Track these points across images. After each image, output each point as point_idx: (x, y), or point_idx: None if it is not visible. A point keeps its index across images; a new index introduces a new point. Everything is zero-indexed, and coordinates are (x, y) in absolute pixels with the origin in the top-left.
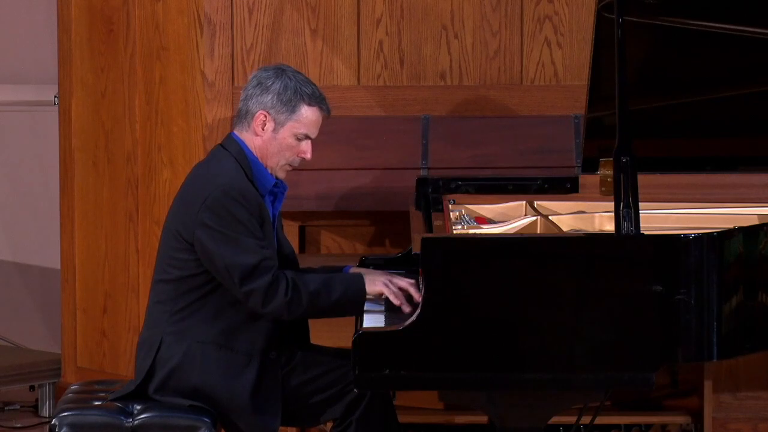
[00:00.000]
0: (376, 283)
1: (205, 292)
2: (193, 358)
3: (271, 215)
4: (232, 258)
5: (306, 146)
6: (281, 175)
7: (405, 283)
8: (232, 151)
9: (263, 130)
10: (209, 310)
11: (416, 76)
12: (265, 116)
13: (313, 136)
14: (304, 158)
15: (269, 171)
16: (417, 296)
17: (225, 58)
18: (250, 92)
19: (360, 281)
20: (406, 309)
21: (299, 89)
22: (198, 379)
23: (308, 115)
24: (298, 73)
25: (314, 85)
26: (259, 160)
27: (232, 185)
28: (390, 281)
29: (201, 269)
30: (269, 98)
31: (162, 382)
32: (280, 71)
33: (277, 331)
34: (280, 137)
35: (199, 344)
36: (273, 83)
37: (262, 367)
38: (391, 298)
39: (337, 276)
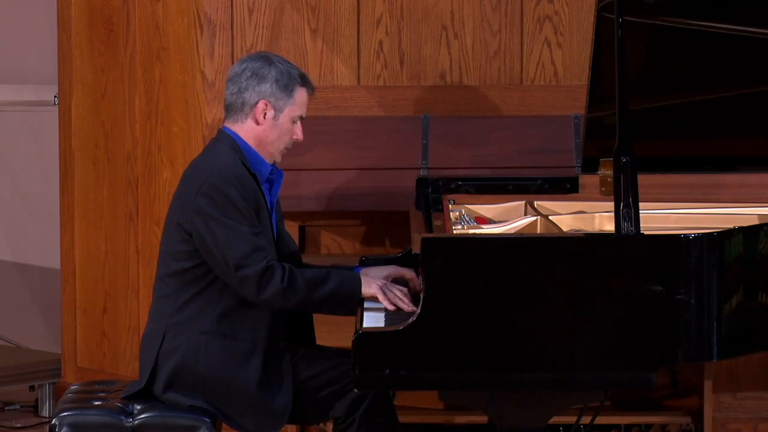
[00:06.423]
0: (371, 285)
1: (207, 282)
2: (196, 350)
3: (268, 202)
4: (227, 244)
5: (299, 128)
6: (279, 158)
7: (400, 293)
8: (226, 143)
9: (264, 118)
10: (211, 298)
11: (416, 76)
12: (266, 105)
13: (304, 116)
14: (297, 140)
15: (267, 158)
16: (409, 308)
17: (225, 58)
18: (244, 84)
19: (356, 279)
20: (407, 309)
21: (291, 73)
22: (203, 371)
23: (302, 95)
24: (279, 56)
25: (295, 65)
26: (255, 149)
27: (227, 170)
28: (386, 286)
29: (201, 259)
30: (267, 87)
31: (168, 379)
32: (267, 58)
33: (280, 321)
34: (281, 123)
35: (202, 335)
36: (268, 72)
37: (269, 354)
38: (385, 303)
39: (333, 270)
